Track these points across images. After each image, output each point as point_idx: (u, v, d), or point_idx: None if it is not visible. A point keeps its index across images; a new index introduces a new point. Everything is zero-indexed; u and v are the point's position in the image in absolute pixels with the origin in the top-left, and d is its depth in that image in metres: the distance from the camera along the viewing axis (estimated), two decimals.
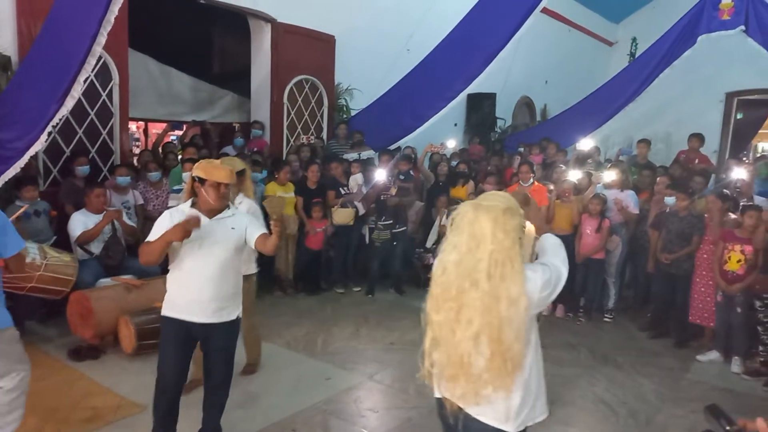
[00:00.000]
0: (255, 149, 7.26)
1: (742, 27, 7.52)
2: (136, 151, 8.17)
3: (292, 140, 8.07)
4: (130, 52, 6.34)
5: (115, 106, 6.08)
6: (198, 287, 2.92)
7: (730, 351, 4.88)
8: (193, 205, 3.00)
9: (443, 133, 8.89)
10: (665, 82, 8.40)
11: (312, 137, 8.08)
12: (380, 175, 6.50)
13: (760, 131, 13.02)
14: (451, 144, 8.55)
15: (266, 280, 6.20)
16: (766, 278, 4.57)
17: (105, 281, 4.85)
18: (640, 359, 5.03)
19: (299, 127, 8.19)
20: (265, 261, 5.91)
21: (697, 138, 8.11)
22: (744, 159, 10.03)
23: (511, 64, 9.11)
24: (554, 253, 2.09)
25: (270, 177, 6.42)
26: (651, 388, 4.44)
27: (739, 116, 12.38)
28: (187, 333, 2.99)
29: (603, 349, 5.27)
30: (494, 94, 10.35)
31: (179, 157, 6.61)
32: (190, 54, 8.45)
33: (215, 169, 2.93)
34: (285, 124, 8.00)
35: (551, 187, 6.29)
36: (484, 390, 1.88)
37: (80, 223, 4.94)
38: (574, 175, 6.30)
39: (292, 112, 8.07)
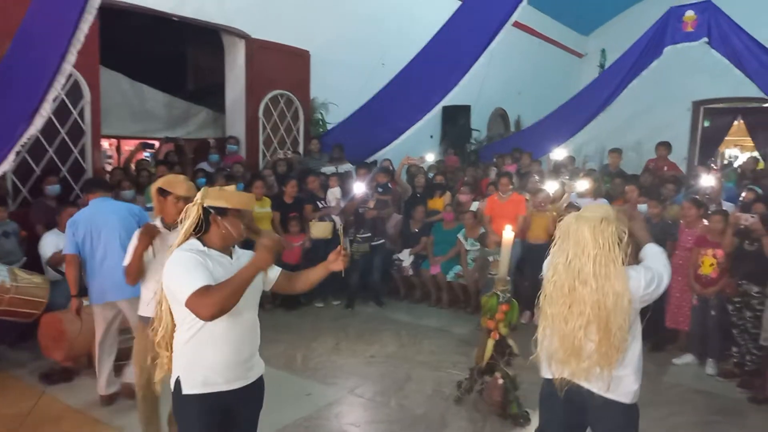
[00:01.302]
0: (231, 164, 7.22)
1: (706, 39, 7.76)
2: (110, 168, 8.05)
3: (268, 155, 8.05)
4: (102, 70, 6.28)
5: (86, 124, 6.00)
6: (239, 340, 2.24)
7: (704, 354, 4.97)
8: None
9: (419, 145, 8.97)
10: (635, 92, 8.60)
11: (288, 152, 8.07)
12: (359, 188, 6.51)
13: (726, 138, 13.39)
14: (430, 157, 8.63)
15: None
16: (734, 281, 4.68)
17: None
18: None
19: (275, 142, 8.18)
20: None
21: (665, 146, 8.31)
22: (712, 166, 10.27)
23: (485, 77, 9.24)
24: (655, 259, 2.37)
25: (246, 191, 6.39)
26: None
27: (706, 124, 12.74)
28: (222, 408, 2.25)
29: None
30: (469, 106, 10.47)
31: (153, 174, 6.54)
32: (163, 70, 8.40)
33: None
34: (261, 139, 7.98)
35: (528, 197, 6.39)
36: (593, 369, 2.25)
37: (52, 243, 4.85)
38: (551, 187, 6.40)
39: (268, 127, 8.06)
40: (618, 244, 2.23)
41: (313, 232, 6.52)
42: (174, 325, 2.20)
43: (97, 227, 3.78)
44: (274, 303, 6.45)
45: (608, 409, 2.32)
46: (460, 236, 6.60)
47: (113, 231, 3.78)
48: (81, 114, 5.95)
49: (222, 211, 2.20)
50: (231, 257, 2.25)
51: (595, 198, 6.33)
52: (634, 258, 2.37)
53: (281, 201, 6.50)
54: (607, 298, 2.20)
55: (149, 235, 3.04)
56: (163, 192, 3.09)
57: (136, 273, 3.06)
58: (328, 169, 7.47)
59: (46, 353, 4.48)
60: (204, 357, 2.16)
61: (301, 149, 8.44)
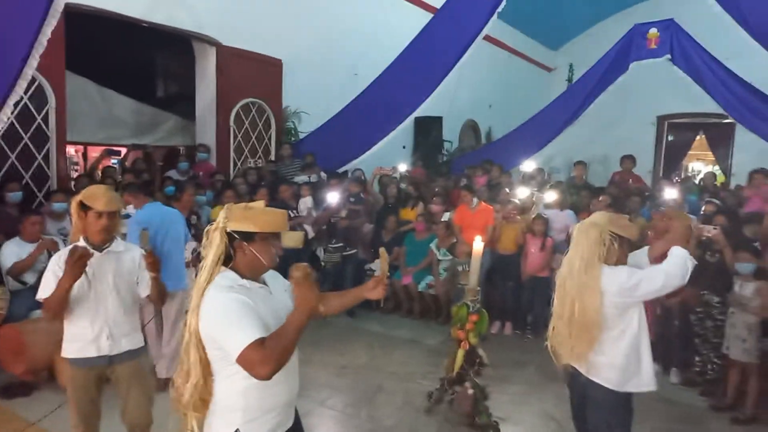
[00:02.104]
0: (201, 173, 7.13)
1: (668, 56, 8.02)
2: (75, 175, 7.86)
3: (239, 163, 7.97)
4: (68, 75, 6.15)
5: (51, 130, 5.85)
6: (292, 375, 2.05)
7: (668, 363, 5.08)
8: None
9: (392, 155, 9.00)
10: (601, 107, 8.82)
11: (260, 161, 8.01)
12: (333, 198, 6.51)
13: (689, 152, 13.81)
14: (402, 168, 8.68)
15: None
16: (696, 292, 4.81)
17: (39, 312, 4.59)
18: None
19: (246, 150, 8.11)
20: None
21: (629, 159, 8.53)
22: (676, 179, 10.58)
23: (457, 89, 9.36)
24: (668, 262, 2.53)
25: (216, 200, 6.31)
26: None
27: (670, 138, 13.12)
28: None
29: (550, 365, 5.34)
30: (441, 118, 10.58)
31: (119, 181, 6.41)
32: (132, 77, 8.27)
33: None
34: (232, 147, 7.90)
35: (497, 208, 6.47)
36: (578, 353, 2.62)
37: (12, 253, 4.68)
38: (523, 192, 6.50)
39: (239, 136, 7.99)
40: (603, 245, 2.55)
41: (285, 242, 6.47)
42: (206, 378, 1.92)
43: (164, 226, 4.30)
44: None
45: (593, 388, 2.65)
46: (432, 246, 6.63)
47: (178, 229, 4.45)
48: (45, 119, 5.80)
49: (248, 236, 1.92)
50: (267, 285, 2.01)
51: (562, 209, 6.46)
52: (657, 254, 2.70)
53: None
54: (583, 291, 2.55)
55: (82, 261, 2.55)
56: (83, 206, 2.74)
57: (61, 307, 2.64)
58: (300, 179, 7.44)
59: (5, 367, 4.32)
60: (267, 401, 1.93)
61: (273, 158, 8.39)
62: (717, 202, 6.08)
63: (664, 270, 2.48)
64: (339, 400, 4.45)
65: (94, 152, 9.55)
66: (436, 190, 7.92)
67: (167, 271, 3.80)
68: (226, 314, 1.79)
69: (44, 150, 5.83)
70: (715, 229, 4.82)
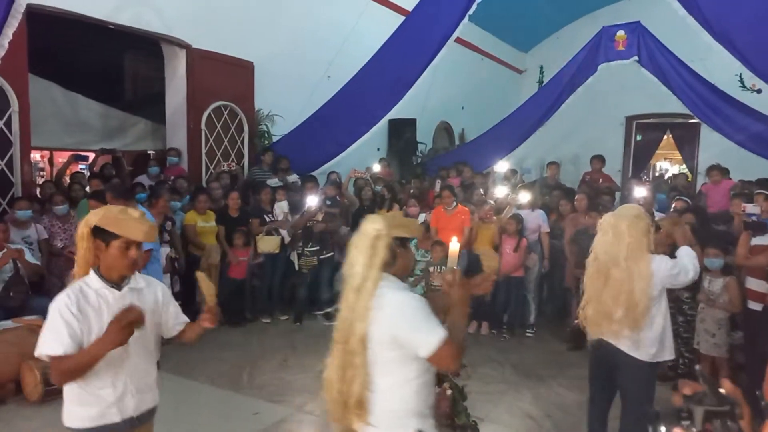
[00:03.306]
0: (173, 177, 7.00)
1: (636, 57, 8.20)
2: (41, 182, 7.65)
3: (212, 168, 7.86)
4: (31, 78, 5.97)
5: (14, 135, 5.68)
6: None
7: None
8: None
9: (366, 158, 8.99)
10: (571, 108, 8.96)
11: (233, 164, 7.91)
12: (312, 201, 6.47)
13: (657, 152, 14.13)
14: (376, 168, 8.66)
15: (187, 313, 5.94)
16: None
17: (5, 324, 4.45)
18: (561, 372, 5.22)
19: (219, 154, 8.00)
20: (185, 293, 5.71)
21: (599, 159, 8.68)
22: (644, 178, 10.81)
23: (430, 91, 9.40)
24: (686, 257, 3.01)
25: (190, 205, 6.21)
26: (573, 399, 4.61)
27: (638, 138, 13.39)
28: None
29: (526, 363, 5.44)
30: (414, 120, 10.61)
31: (86, 188, 6.26)
32: (99, 80, 8.09)
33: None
34: (203, 151, 7.78)
35: (473, 209, 6.51)
36: (622, 330, 2.92)
37: None
38: (501, 191, 6.55)
39: (211, 139, 7.87)
40: (647, 235, 2.92)
41: (260, 247, 6.40)
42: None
43: None
44: (219, 319, 6.23)
45: (630, 364, 2.98)
46: (410, 246, 6.61)
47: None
48: (8, 124, 5.62)
49: (404, 242, 2.05)
50: None
51: (533, 209, 6.54)
52: (662, 249, 3.15)
53: (226, 214, 6.34)
54: (633, 276, 2.86)
55: (133, 327, 1.96)
56: (103, 234, 2.06)
57: (84, 374, 2.01)
58: (275, 182, 7.37)
59: None
60: (430, 399, 2.00)
61: (246, 162, 8.30)
62: (686, 199, 6.22)
63: (691, 264, 2.97)
64: (317, 405, 4.41)
65: (61, 158, 9.33)
66: (411, 191, 7.94)
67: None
68: (419, 312, 1.84)
69: (7, 156, 5.65)
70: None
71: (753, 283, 4.40)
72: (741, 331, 4.65)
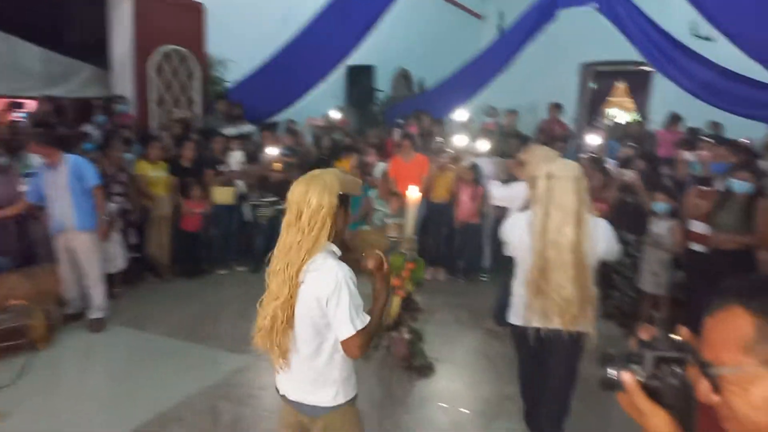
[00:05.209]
0: (121, 125, 6.72)
1: (596, 4, 8.16)
2: None
3: (162, 115, 7.56)
4: None
5: None
6: None
7: None
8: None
9: (324, 106, 8.81)
10: (530, 55, 8.93)
11: (186, 112, 7.63)
12: (270, 150, 6.34)
13: (609, 99, 14.32)
14: (336, 115, 8.50)
15: (139, 264, 5.86)
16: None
17: None
18: None
19: (169, 101, 7.69)
20: (135, 246, 5.60)
21: (556, 107, 8.76)
22: (597, 126, 10.99)
23: (388, 37, 9.19)
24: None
25: (140, 155, 6.01)
26: None
27: (593, 86, 13.53)
28: None
29: (481, 306, 5.59)
30: (373, 67, 10.41)
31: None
32: (40, 23, 7.54)
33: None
34: (152, 98, 7.46)
35: (431, 157, 6.52)
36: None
37: None
38: (460, 141, 6.56)
39: (161, 86, 7.54)
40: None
41: (215, 197, 6.28)
42: None
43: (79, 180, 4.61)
44: (173, 272, 6.17)
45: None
46: (371, 194, 6.61)
47: (90, 178, 4.64)
48: None
49: (343, 201, 1.99)
50: None
51: (490, 157, 6.59)
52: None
53: (178, 164, 6.17)
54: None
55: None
56: (345, 200, 1.98)
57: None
58: (229, 131, 7.17)
59: None
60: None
61: (199, 109, 8.01)
62: (635, 146, 6.39)
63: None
64: None
65: None
66: (370, 140, 7.87)
67: (80, 212, 4.54)
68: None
69: None
70: (634, 173, 5.13)
71: (695, 225, 4.61)
72: (683, 271, 4.90)
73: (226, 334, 4.76)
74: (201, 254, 6.39)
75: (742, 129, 7.32)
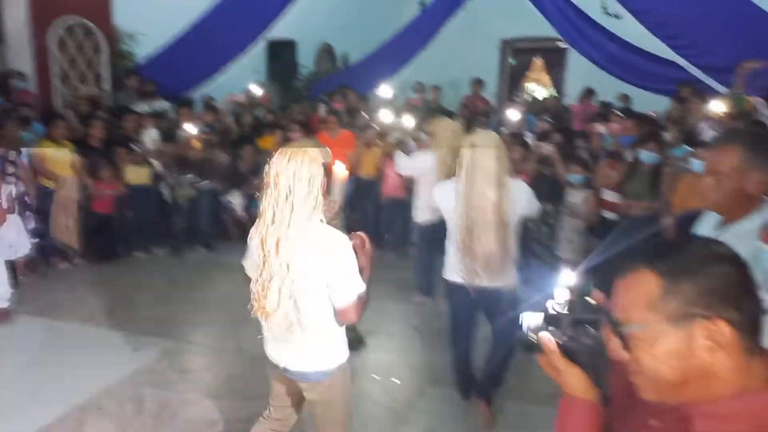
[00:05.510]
0: (20, 103, 6.20)
1: None
2: None
3: (67, 93, 7.04)
4: None
5: None
6: None
7: None
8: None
9: (244, 81, 8.52)
10: (451, 31, 9.02)
11: (94, 89, 7.15)
12: (189, 129, 6.05)
13: (527, 74, 14.76)
14: (257, 91, 8.23)
15: (42, 249, 5.47)
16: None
17: None
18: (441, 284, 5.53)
19: (75, 78, 7.16)
20: (37, 231, 5.23)
21: (478, 83, 8.93)
22: (517, 101, 11.33)
23: (310, 11, 8.98)
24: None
25: (46, 135, 5.57)
26: None
27: (512, 62, 13.89)
28: None
29: (410, 279, 5.68)
30: (295, 41, 10.16)
31: None
32: None
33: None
34: (55, 74, 6.93)
35: (358, 134, 6.47)
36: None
37: None
38: (387, 116, 6.53)
39: (64, 61, 7.00)
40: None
41: (129, 178, 5.95)
42: None
43: None
44: (85, 258, 5.80)
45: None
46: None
47: None
48: None
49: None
50: None
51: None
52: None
53: (86, 144, 5.77)
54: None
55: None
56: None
57: None
58: (142, 108, 6.79)
59: None
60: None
61: (108, 85, 7.52)
62: (550, 120, 6.65)
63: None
64: (202, 335, 4.35)
65: None
66: (294, 117, 7.70)
67: None
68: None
69: None
70: (551, 146, 5.34)
71: (607, 194, 4.88)
72: (597, 237, 5.18)
73: (146, 319, 4.55)
74: (115, 237, 6.05)
75: (649, 102, 7.78)
